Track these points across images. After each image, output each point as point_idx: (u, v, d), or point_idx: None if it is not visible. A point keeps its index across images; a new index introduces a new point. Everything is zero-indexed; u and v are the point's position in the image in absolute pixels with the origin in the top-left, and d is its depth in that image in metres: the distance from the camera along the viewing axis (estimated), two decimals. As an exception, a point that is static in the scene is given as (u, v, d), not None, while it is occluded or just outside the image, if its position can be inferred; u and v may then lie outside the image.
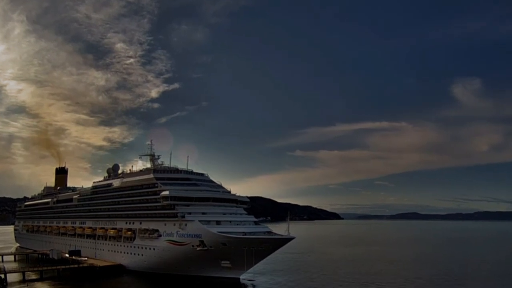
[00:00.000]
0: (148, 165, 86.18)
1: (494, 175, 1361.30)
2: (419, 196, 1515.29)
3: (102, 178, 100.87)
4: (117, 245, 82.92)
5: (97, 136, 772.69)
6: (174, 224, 70.20)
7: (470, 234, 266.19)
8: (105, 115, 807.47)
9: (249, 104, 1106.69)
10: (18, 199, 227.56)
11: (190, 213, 69.64)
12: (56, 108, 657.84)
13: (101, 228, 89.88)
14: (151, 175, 79.64)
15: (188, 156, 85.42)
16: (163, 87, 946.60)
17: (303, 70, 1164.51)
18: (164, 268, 71.46)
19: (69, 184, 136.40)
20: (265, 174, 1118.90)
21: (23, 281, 69.50)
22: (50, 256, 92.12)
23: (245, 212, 77.75)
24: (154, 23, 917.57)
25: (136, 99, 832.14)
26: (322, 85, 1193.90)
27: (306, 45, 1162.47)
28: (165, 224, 72.03)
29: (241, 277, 66.65)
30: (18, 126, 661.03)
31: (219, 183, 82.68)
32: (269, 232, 69.85)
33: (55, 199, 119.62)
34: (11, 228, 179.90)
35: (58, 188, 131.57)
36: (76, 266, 76.59)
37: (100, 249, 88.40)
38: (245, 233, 65.50)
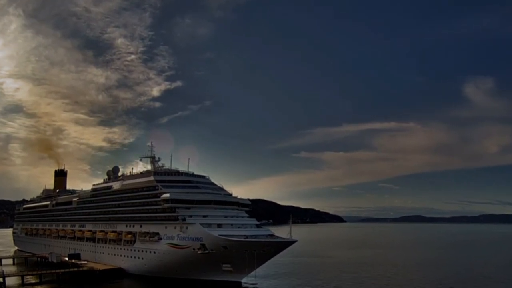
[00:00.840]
0: (149, 167, 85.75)
1: (502, 177, 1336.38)
2: (424, 199, 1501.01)
3: (102, 181, 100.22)
4: (117, 248, 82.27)
5: (96, 136, 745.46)
6: (175, 227, 69.60)
7: (474, 237, 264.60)
8: (105, 115, 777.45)
9: (252, 104, 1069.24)
10: (17, 202, 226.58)
11: (191, 216, 69.10)
12: (54, 107, 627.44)
13: (101, 231, 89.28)
14: (152, 178, 79.14)
15: (189, 158, 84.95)
16: (165, 85, 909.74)
17: (308, 69, 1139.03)
18: (164, 272, 70.84)
19: (68, 187, 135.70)
20: (268, 176, 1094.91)
21: (22, 285, 69.11)
22: (49, 260, 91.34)
23: (246, 215, 77.12)
24: (156, 17, 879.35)
25: (137, 98, 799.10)
26: (327, 85, 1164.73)
27: (309, 44, 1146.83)
28: (166, 227, 71.43)
29: (242, 281, 66.06)
30: (15, 126, 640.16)
31: (220, 185, 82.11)
32: (271, 235, 69.15)
33: (54, 202, 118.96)
34: (9, 231, 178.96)
35: (58, 190, 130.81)
36: (75, 269, 76.17)
37: (100, 253, 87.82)
38: (246, 236, 64.88)
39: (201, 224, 66.85)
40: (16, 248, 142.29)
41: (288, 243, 66.05)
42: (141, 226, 77.40)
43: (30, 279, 73.14)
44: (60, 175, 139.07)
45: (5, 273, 70.98)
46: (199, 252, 64.88)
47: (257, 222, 76.97)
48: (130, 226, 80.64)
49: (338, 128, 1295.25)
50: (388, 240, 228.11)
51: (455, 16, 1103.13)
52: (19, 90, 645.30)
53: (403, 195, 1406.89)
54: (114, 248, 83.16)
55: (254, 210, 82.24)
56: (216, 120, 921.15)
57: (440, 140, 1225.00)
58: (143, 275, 73.63)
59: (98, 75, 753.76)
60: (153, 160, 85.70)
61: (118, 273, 76.63)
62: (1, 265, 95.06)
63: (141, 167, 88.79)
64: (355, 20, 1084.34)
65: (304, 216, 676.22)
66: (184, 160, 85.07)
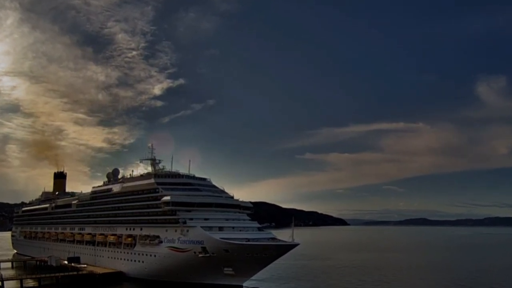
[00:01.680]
0: (149, 169, 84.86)
1: (510, 179, 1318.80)
2: (429, 201, 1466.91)
3: (101, 183, 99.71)
4: (117, 251, 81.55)
5: (96, 137, 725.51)
6: (176, 230, 68.85)
7: (479, 240, 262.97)
8: (105, 114, 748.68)
9: (254, 104, 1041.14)
10: (16, 205, 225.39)
11: (191, 219, 68.38)
12: (52, 107, 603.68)
13: (101, 234, 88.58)
14: (152, 180, 78.53)
15: (190, 160, 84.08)
16: (167, 83, 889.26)
17: (312, 69, 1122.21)
18: (165, 275, 70.11)
19: (68, 189, 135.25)
20: (270, 178, 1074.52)
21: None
22: (49, 263, 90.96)
23: (248, 218, 76.51)
24: (158, 11, 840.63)
25: (138, 97, 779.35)
26: (332, 84, 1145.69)
27: (312, 44, 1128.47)
28: (166, 230, 70.74)
29: (244, 284, 65.57)
30: (12, 127, 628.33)
31: (221, 188, 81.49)
32: (273, 238, 68.50)
33: (53, 205, 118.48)
34: (8, 234, 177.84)
35: (57, 193, 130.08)
36: (75, 273, 75.70)
37: (100, 256, 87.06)
38: (248, 239, 64.15)
39: (202, 227, 66.24)
40: (15, 251, 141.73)
41: (290, 247, 65.29)
42: (141, 229, 76.69)
43: (29, 283, 72.88)
44: (60, 178, 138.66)
45: (3, 276, 71.14)
46: (200, 255, 64.18)
47: (259, 225, 76.58)
48: (130, 229, 79.92)
49: (344, 129, 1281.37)
50: (392, 243, 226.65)
51: (468, 13, 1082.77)
52: (16, 89, 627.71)
53: (408, 198, 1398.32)
54: (114, 252, 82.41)
55: (256, 213, 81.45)
56: (218, 120, 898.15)
57: (448, 141, 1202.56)
58: (144, 279, 72.92)
59: (98, 73, 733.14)
60: (153, 162, 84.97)
61: (118, 277, 76.11)
62: (0, 268, 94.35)
63: (141, 169, 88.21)
64: (360, 18, 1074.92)
65: (306, 219, 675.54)
66: (185, 162, 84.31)
